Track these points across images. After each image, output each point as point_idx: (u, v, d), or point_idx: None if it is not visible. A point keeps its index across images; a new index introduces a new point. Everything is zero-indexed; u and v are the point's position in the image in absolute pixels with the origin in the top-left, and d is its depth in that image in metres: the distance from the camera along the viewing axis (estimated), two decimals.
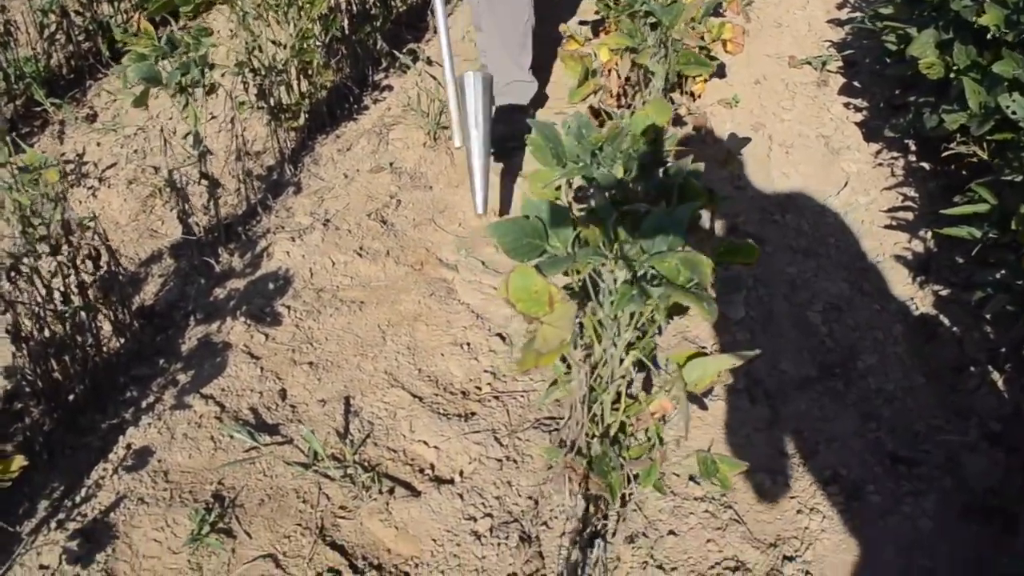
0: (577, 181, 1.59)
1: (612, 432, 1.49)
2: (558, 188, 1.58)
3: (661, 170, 1.54)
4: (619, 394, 1.44)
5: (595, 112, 2.36)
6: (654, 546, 1.67)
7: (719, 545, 1.68)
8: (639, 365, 1.56)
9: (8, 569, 1.61)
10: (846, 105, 3.01)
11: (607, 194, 1.39)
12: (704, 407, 1.92)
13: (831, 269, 2.34)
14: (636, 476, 1.63)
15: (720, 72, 3.08)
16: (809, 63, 3.22)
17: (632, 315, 1.37)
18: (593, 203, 1.37)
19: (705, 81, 2.83)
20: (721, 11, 2.77)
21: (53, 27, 2.98)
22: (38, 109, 2.81)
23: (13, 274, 1.72)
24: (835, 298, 2.24)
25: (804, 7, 3.66)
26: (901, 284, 2.29)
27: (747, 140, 2.53)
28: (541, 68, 3.20)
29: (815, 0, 3.73)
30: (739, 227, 2.44)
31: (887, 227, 2.47)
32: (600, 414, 1.50)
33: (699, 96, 2.87)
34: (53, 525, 1.68)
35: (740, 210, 2.49)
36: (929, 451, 1.87)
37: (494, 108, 2.61)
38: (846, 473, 1.82)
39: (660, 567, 1.64)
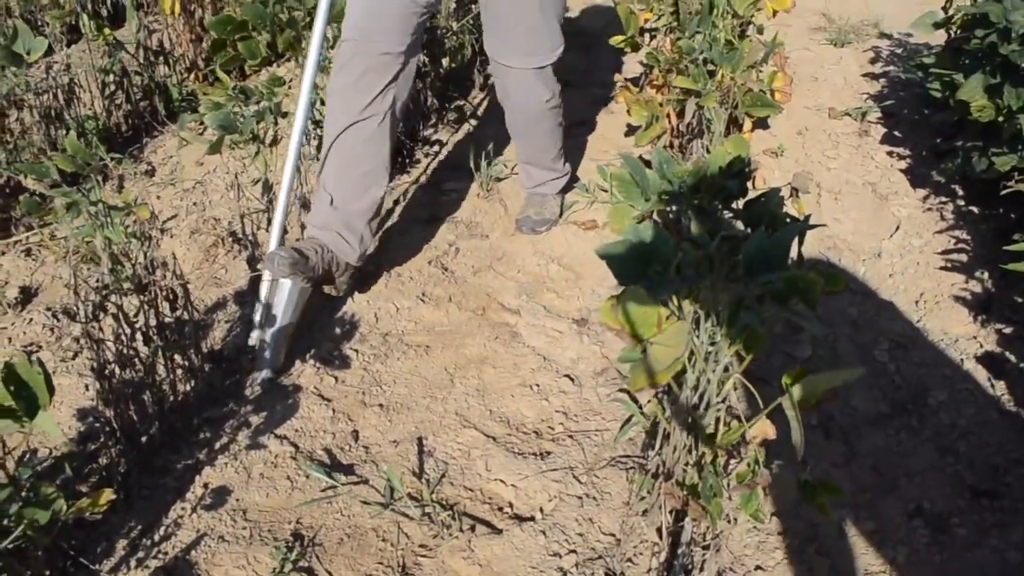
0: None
1: (705, 461, 1.48)
2: (640, 221, 1.61)
3: (743, 201, 1.57)
4: (717, 420, 1.44)
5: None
6: None
7: None
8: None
9: None
10: (889, 153, 3.05)
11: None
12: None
13: (892, 309, 2.34)
14: (720, 515, 1.61)
15: (763, 124, 3.14)
16: (849, 114, 3.28)
17: (731, 340, 1.38)
18: (691, 230, 1.39)
19: (751, 131, 2.88)
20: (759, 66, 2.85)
21: (113, 87, 3.07)
22: (100, 166, 2.87)
23: (98, 312, 1.74)
24: (899, 336, 2.24)
25: (838, 62, 3.74)
26: (963, 323, 2.29)
27: (810, 176, 2.56)
28: (584, 123, 3.27)
29: (848, 55, 3.82)
30: None
31: (943, 268, 2.48)
32: (693, 442, 1.49)
33: None
34: (133, 564, 1.67)
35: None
36: (1010, 484, 1.85)
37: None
38: (929, 506, 1.80)
39: None
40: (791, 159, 3.00)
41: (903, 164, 2.99)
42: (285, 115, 2.18)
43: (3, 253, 2.52)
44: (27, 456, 1.82)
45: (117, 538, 1.72)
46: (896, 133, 3.16)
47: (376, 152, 2.24)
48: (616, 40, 2.86)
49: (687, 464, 1.49)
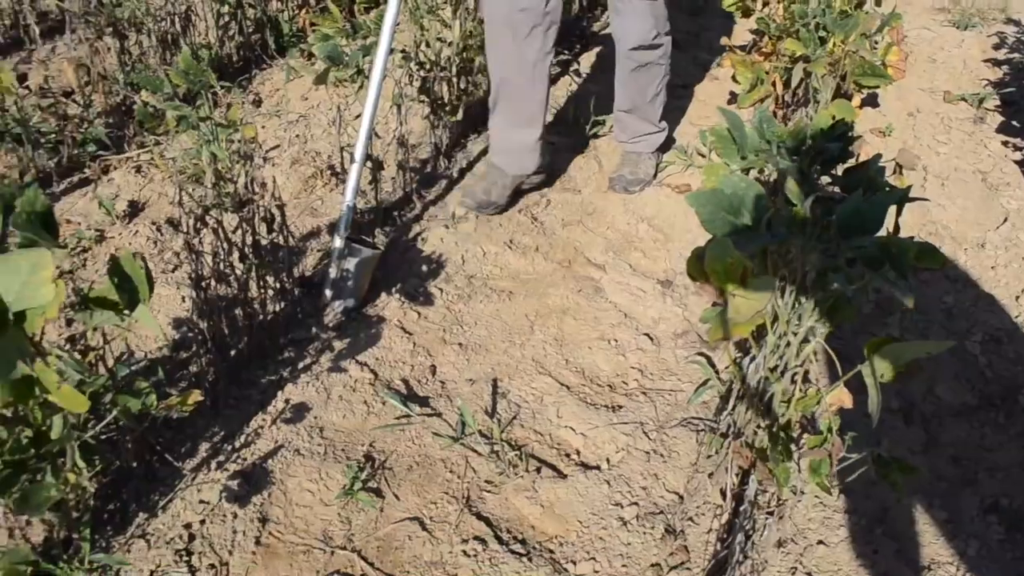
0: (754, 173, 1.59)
1: (778, 425, 1.47)
2: None
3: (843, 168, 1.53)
4: (793, 385, 1.42)
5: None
6: (803, 554, 1.63)
7: (871, 560, 1.63)
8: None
9: (170, 501, 1.68)
10: (1004, 143, 2.93)
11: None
12: None
13: (990, 301, 2.26)
14: (786, 480, 1.60)
15: (872, 101, 3.05)
16: (965, 99, 3.15)
17: (816, 303, 1.36)
18: (786, 188, 1.37)
19: (860, 108, 2.79)
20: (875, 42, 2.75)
21: (227, 18, 3.15)
22: (210, 92, 2.97)
23: (199, 224, 1.81)
24: (995, 330, 2.16)
25: (959, 45, 3.59)
26: None
27: (917, 156, 2.49)
28: (687, 86, 3.22)
29: (971, 39, 3.66)
30: None
31: None
32: (767, 406, 1.48)
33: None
34: (214, 466, 1.75)
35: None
36: None
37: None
38: (1007, 503, 1.74)
39: (809, 575, 1.60)
40: (899, 140, 2.90)
41: (1018, 155, 2.86)
42: (392, 51, 2.20)
43: (116, 168, 2.63)
44: (125, 356, 1.92)
45: (201, 441, 1.81)
46: (1014, 123, 3.02)
47: (540, 90, 2.43)
48: (728, 3, 2.81)
49: (758, 426, 1.48)
